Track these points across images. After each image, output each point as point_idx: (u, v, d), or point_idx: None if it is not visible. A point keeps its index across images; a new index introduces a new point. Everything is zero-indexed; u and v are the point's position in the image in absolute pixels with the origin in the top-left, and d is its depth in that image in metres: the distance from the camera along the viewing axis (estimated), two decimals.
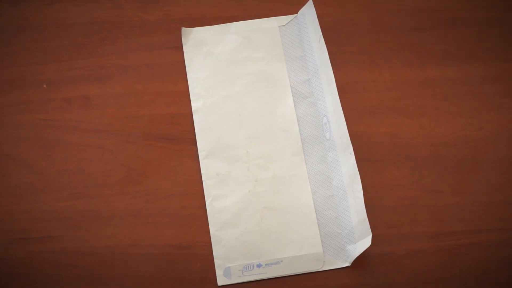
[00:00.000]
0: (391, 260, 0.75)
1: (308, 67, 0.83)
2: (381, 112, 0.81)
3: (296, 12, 0.86)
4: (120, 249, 0.75)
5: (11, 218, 0.76)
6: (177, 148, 0.79)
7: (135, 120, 0.81)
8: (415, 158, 0.79)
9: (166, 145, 0.80)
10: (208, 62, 0.83)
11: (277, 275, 0.74)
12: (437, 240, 0.76)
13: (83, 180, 0.78)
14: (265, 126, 0.80)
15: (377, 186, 0.78)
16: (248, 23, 0.85)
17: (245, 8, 0.86)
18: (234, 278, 0.74)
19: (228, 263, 0.75)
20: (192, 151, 0.79)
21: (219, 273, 0.74)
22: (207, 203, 0.77)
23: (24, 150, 0.79)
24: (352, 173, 0.75)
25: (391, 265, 0.75)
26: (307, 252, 0.75)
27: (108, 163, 0.79)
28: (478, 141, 0.80)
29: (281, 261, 0.75)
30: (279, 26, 0.85)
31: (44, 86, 0.82)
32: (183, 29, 0.84)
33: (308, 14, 0.84)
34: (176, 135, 0.80)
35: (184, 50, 0.84)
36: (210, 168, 0.78)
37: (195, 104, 0.81)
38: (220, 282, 0.74)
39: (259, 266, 0.75)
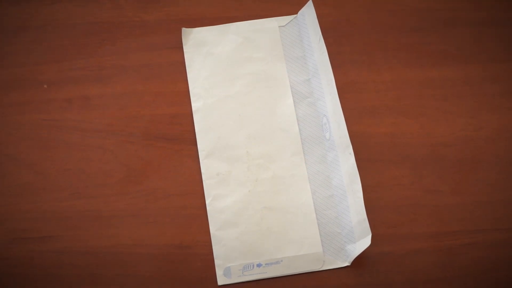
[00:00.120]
0: (390, 259, 0.75)
1: (308, 67, 0.83)
2: (381, 112, 0.82)
3: (296, 13, 0.86)
4: (121, 249, 0.75)
5: (11, 218, 0.76)
6: (177, 148, 0.80)
7: (135, 120, 0.81)
8: (415, 158, 0.79)
9: (166, 145, 0.80)
10: (208, 62, 0.83)
11: (277, 274, 0.75)
12: (436, 240, 0.76)
13: (84, 180, 0.78)
14: (265, 126, 0.80)
15: (377, 186, 0.78)
16: (248, 23, 0.85)
17: (245, 9, 0.86)
18: (234, 278, 0.74)
19: (228, 263, 0.75)
20: (192, 151, 0.80)
21: (219, 272, 0.75)
22: (207, 203, 0.77)
23: (24, 150, 0.79)
24: (351, 173, 0.75)
25: (391, 264, 0.75)
26: (307, 252, 0.75)
27: (109, 163, 0.79)
28: (478, 141, 0.80)
29: (281, 260, 0.75)
30: (279, 26, 0.85)
31: (45, 86, 0.82)
32: (183, 29, 0.84)
33: (308, 14, 0.84)
34: (176, 135, 0.80)
35: (185, 50, 0.84)
36: (210, 168, 0.78)
37: (195, 104, 0.81)
38: (220, 281, 0.74)
39: (259, 265, 0.75)
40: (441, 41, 0.85)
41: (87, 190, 0.77)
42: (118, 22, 0.85)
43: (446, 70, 0.84)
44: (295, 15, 0.86)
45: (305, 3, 0.84)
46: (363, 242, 0.73)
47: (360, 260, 0.75)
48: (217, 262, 0.75)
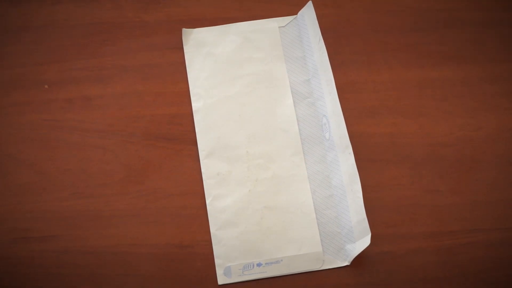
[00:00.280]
0: (390, 259, 0.75)
1: (308, 68, 0.83)
2: (380, 112, 0.82)
3: (296, 13, 0.86)
4: (121, 249, 0.75)
5: (13, 217, 0.76)
6: (177, 148, 0.80)
7: (136, 120, 0.81)
8: (414, 158, 0.80)
9: (166, 145, 0.80)
10: (208, 63, 0.83)
11: (277, 274, 0.75)
12: (435, 239, 0.76)
13: (85, 180, 0.78)
14: (265, 126, 0.81)
15: (377, 186, 0.78)
16: (248, 24, 0.85)
17: (245, 9, 0.86)
18: (234, 277, 0.75)
19: (229, 262, 0.75)
20: (192, 151, 0.80)
21: (219, 272, 0.75)
22: (207, 202, 0.77)
23: (25, 150, 0.79)
24: (351, 173, 0.75)
25: (390, 264, 0.75)
26: (307, 251, 0.75)
27: (109, 163, 0.79)
28: (477, 141, 0.81)
29: (281, 260, 0.75)
30: (279, 27, 0.85)
31: (46, 86, 0.82)
32: (184, 30, 0.85)
33: (308, 15, 0.84)
34: (176, 135, 0.80)
35: (185, 50, 0.84)
36: (211, 168, 0.79)
37: (195, 104, 0.82)
38: (220, 281, 0.75)
39: (259, 265, 0.75)
40: (440, 42, 0.85)
41: (88, 190, 0.78)
42: (119, 23, 0.86)
43: (445, 70, 0.84)
44: (295, 16, 0.86)
45: (305, 4, 0.85)
46: (363, 241, 0.74)
47: (360, 260, 0.75)
48: (217, 261, 0.75)
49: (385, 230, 0.76)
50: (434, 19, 0.86)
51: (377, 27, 0.86)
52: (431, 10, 0.87)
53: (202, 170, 0.79)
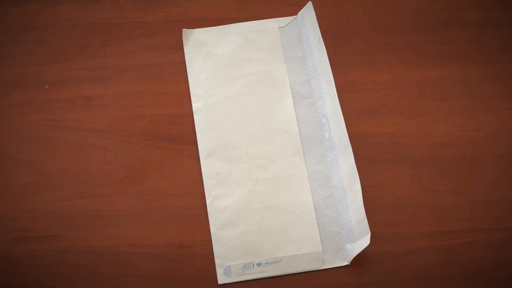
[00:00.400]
0: (390, 259, 0.75)
1: (308, 68, 0.83)
2: (380, 113, 0.82)
3: (296, 14, 0.86)
4: (121, 248, 0.75)
5: (13, 217, 0.76)
6: (177, 148, 0.80)
7: (136, 120, 0.81)
8: (414, 158, 0.80)
9: (166, 145, 0.80)
10: (208, 63, 0.84)
11: (277, 273, 0.75)
12: (435, 239, 0.76)
13: (85, 180, 0.78)
14: (265, 126, 0.81)
15: (376, 186, 0.78)
16: (248, 24, 0.85)
17: (245, 10, 0.86)
18: (234, 277, 0.75)
19: (229, 262, 0.75)
20: (192, 151, 0.80)
21: (219, 271, 0.75)
22: (207, 202, 0.77)
23: (26, 150, 0.79)
24: (351, 173, 0.75)
25: (390, 264, 0.75)
26: (307, 251, 0.75)
27: (109, 163, 0.79)
28: (476, 141, 0.81)
29: (281, 260, 0.75)
30: (279, 27, 0.85)
31: (47, 86, 0.82)
32: (184, 30, 0.85)
33: (308, 15, 0.84)
34: (176, 135, 0.80)
35: (185, 51, 0.84)
36: (211, 168, 0.79)
37: (195, 105, 0.82)
38: (220, 280, 0.75)
39: (259, 265, 0.75)
40: (440, 42, 0.85)
41: (88, 190, 0.78)
42: (119, 23, 0.86)
43: (445, 70, 0.84)
44: (295, 16, 0.86)
45: (305, 4, 0.85)
46: (363, 241, 0.74)
47: (360, 259, 0.75)
48: (217, 261, 0.75)
49: (385, 230, 0.77)
50: (434, 19, 0.86)
51: (377, 27, 0.86)
52: (431, 10, 0.87)
53: (202, 170, 0.79)
